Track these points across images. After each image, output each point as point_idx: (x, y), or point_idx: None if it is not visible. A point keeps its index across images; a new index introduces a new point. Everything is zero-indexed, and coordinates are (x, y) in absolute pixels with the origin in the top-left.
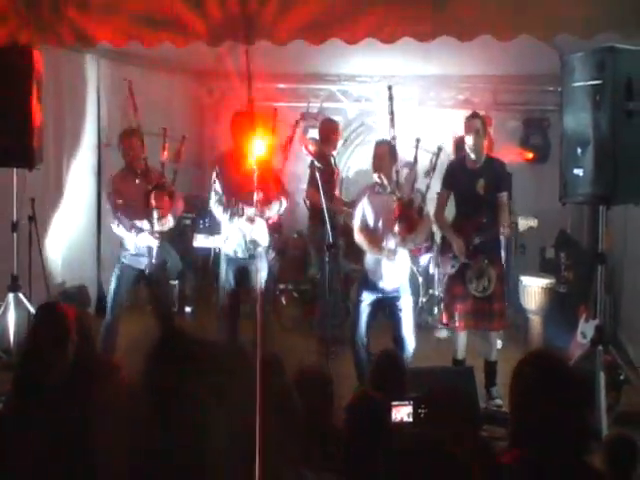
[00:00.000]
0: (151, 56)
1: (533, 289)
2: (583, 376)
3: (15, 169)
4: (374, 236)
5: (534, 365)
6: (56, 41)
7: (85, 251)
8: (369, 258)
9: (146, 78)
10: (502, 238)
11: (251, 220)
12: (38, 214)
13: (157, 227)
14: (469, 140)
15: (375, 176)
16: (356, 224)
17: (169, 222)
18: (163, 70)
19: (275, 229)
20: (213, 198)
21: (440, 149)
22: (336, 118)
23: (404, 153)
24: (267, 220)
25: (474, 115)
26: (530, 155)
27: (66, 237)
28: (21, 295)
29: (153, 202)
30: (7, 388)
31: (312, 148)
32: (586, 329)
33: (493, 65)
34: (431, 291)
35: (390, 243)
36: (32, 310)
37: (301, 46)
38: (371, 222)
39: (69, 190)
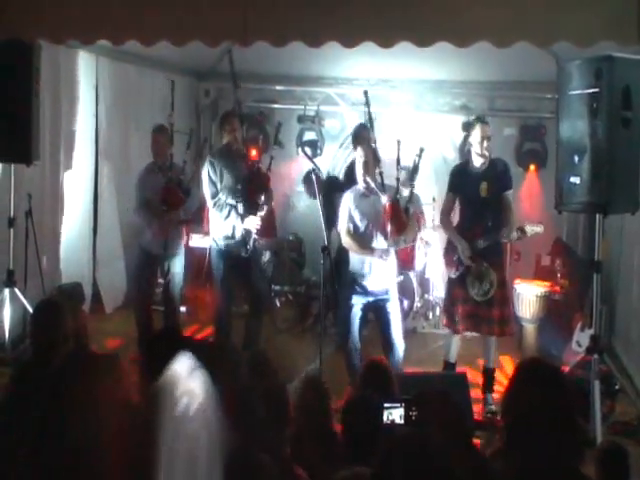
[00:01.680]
0: (149, 55)
1: (528, 297)
2: (576, 384)
3: (13, 165)
4: (364, 238)
5: (525, 371)
6: (53, 37)
7: (81, 248)
8: (356, 261)
9: (144, 77)
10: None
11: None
12: (35, 210)
13: (166, 219)
14: (482, 145)
15: (360, 179)
16: (343, 228)
17: (177, 216)
18: (161, 70)
19: (269, 232)
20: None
21: (422, 150)
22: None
23: (406, 159)
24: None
25: (484, 121)
26: (532, 167)
27: (62, 233)
28: (17, 290)
29: (161, 196)
30: (2, 382)
31: (309, 152)
32: (581, 338)
33: (490, 71)
34: (426, 296)
35: (381, 243)
36: (27, 305)
37: (298, 48)
38: (360, 225)
39: (66, 186)
